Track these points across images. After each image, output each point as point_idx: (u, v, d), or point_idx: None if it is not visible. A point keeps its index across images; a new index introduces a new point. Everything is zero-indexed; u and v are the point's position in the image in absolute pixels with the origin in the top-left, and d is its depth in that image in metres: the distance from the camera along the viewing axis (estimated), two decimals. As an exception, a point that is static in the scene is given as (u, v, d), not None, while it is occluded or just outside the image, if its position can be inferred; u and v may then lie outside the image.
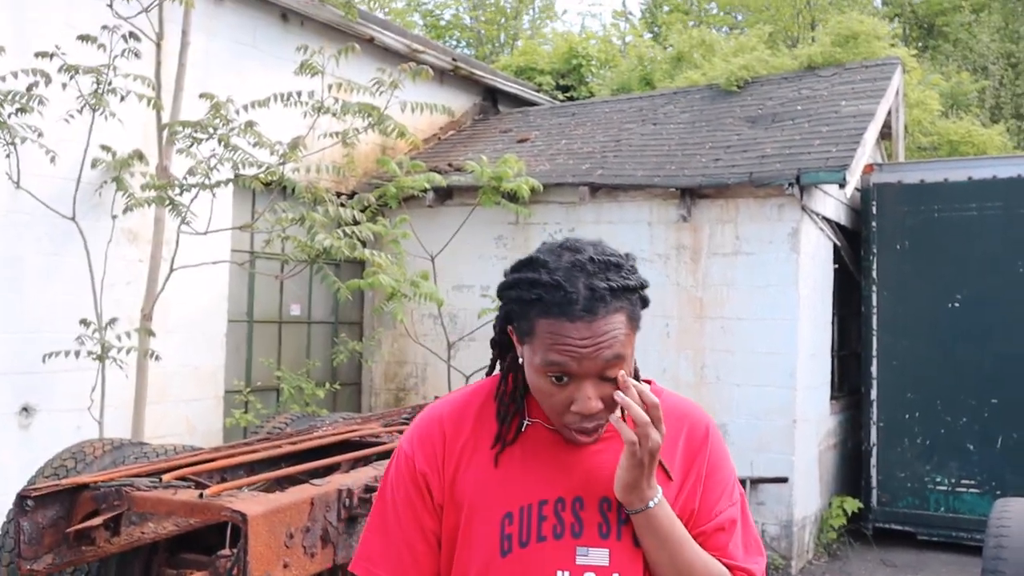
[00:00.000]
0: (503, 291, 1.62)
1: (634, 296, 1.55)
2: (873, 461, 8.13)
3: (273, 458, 4.10)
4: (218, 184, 6.13)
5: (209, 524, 3.60)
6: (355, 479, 3.55)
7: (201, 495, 3.13)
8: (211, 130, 6.05)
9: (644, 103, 10.03)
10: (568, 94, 14.53)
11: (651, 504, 1.55)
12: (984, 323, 7.74)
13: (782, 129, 8.15)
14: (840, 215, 8.34)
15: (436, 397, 6.49)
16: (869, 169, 8.24)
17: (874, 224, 8.23)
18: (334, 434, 4.56)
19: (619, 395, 1.52)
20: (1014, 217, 7.71)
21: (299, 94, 6.15)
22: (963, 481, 7.78)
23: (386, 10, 21.08)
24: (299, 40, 6.97)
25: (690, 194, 7.61)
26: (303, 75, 6.30)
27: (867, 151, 7.84)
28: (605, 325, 1.49)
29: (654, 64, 14.03)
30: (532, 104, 11.66)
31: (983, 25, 17.85)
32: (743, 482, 5.50)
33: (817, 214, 7.64)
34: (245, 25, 7.75)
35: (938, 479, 7.86)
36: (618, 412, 1.54)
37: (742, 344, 7.39)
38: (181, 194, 6.11)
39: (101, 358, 5.93)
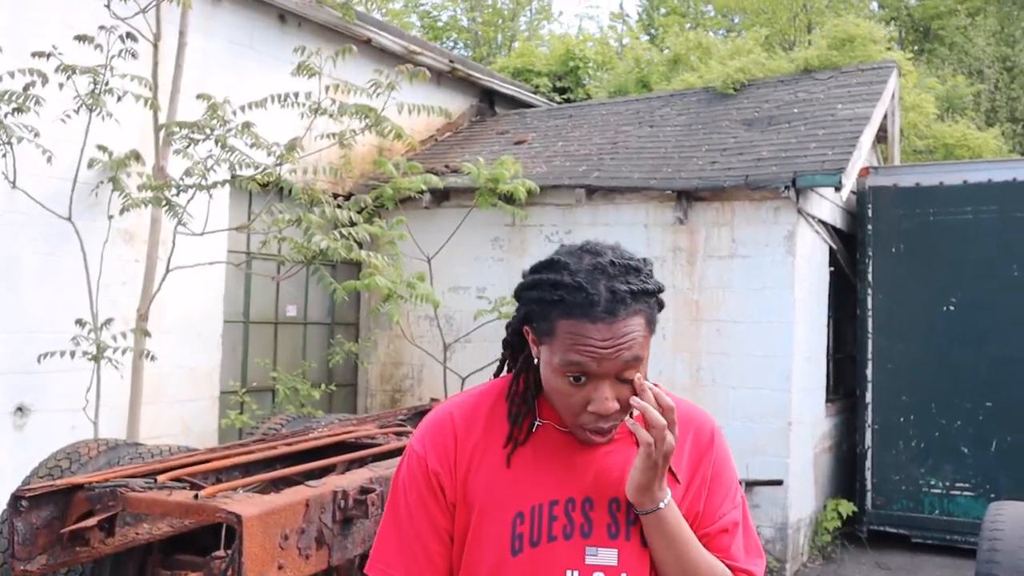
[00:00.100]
0: (522, 292, 1.64)
1: (652, 300, 1.59)
2: (868, 464, 8.15)
3: (268, 459, 4.09)
4: (215, 185, 6.13)
5: (204, 525, 3.60)
6: (350, 481, 3.54)
7: (196, 496, 3.13)
8: (208, 131, 6.05)
9: (641, 105, 10.05)
10: (565, 96, 14.55)
11: (661, 505, 1.58)
12: (979, 326, 7.75)
13: (778, 132, 8.17)
14: (836, 218, 8.36)
15: (432, 399, 6.50)
16: (865, 172, 8.26)
17: (870, 227, 8.25)
18: (330, 435, 4.56)
19: (636, 400, 1.55)
20: (1009, 221, 7.73)
21: (296, 95, 6.15)
22: (957, 484, 7.80)
23: (383, 11, 21.07)
24: (296, 41, 6.97)
25: (686, 197, 7.62)
26: (300, 76, 6.30)
27: (863, 154, 7.86)
28: (625, 327, 1.52)
29: (651, 66, 14.05)
30: (529, 106, 11.67)
31: (979, 29, 17.89)
32: (738, 484, 5.48)
33: (813, 217, 7.65)
34: (242, 26, 7.75)
35: (932, 482, 7.88)
36: (635, 414, 1.57)
37: (738, 347, 7.40)
38: (178, 195, 6.11)
39: (96, 358, 5.92)
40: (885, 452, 8.07)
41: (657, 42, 19.43)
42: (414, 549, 1.66)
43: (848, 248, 8.59)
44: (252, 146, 6.10)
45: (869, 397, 8.17)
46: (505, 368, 1.77)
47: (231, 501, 3.08)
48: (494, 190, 7.80)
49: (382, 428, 5.00)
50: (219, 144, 6.04)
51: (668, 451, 1.54)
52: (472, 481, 1.65)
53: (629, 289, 1.54)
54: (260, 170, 6.18)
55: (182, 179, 6.13)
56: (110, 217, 6.37)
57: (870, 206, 8.25)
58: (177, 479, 3.47)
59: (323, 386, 8.13)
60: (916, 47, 18.91)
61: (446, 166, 8.86)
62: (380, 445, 4.47)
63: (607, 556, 1.60)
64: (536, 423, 1.67)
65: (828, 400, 8.39)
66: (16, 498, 3.09)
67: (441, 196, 8.50)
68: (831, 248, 8.26)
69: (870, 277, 8.23)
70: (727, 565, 1.65)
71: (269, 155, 6.17)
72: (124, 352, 5.98)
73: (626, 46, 19.06)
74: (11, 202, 5.97)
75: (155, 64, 6.44)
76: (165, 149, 6.40)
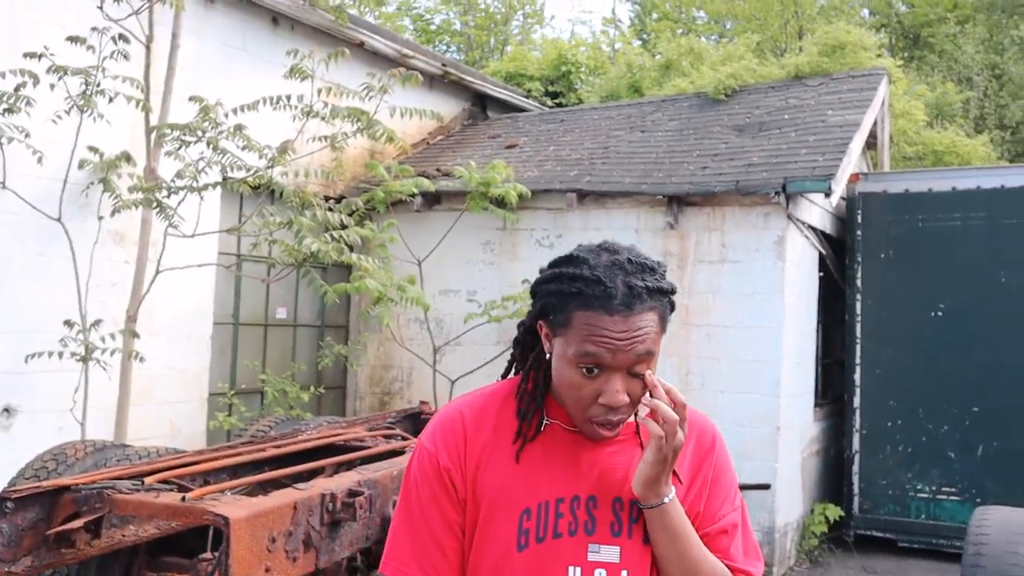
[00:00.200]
0: (540, 285, 1.69)
1: (665, 299, 1.65)
2: (855, 468, 8.18)
3: (256, 462, 4.09)
4: (206, 187, 6.12)
5: (191, 527, 3.59)
6: (339, 483, 3.55)
7: (183, 498, 3.12)
8: (200, 133, 6.05)
9: (632, 110, 10.08)
10: (557, 100, 14.58)
11: (666, 500, 1.63)
12: (967, 332, 7.79)
13: (769, 138, 8.20)
14: (825, 224, 8.40)
15: (422, 402, 6.49)
16: (855, 178, 8.30)
17: (859, 233, 8.28)
18: (318, 438, 4.55)
19: (647, 399, 1.60)
20: (997, 227, 7.77)
21: (288, 98, 6.15)
22: (944, 489, 7.83)
23: (376, 14, 21.08)
24: (289, 44, 6.97)
25: (677, 202, 7.64)
26: (293, 79, 6.30)
27: (853, 160, 7.90)
28: (640, 321, 1.58)
29: (643, 72, 14.09)
30: (521, 110, 11.69)
31: (968, 37, 17.98)
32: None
33: (803, 223, 7.69)
34: (235, 28, 7.75)
35: (919, 487, 7.91)
36: (643, 411, 1.62)
37: (727, 351, 7.42)
38: (168, 196, 6.10)
39: (85, 359, 5.91)
40: (872, 457, 8.10)
41: (649, 47, 19.47)
42: (428, 546, 1.69)
43: (837, 254, 8.62)
44: (244, 148, 6.10)
45: (857, 402, 8.20)
46: (514, 369, 1.81)
47: (219, 503, 3.08)
48: (485, 194, 7.81)
49: (371, 431, 4.99)
50: (211, 146, 6.04)
51: (678, 446, 1.59)
52: (481, 478, 1.68)
53: (645, 286, 1.60)
54: (251, 172, 6.18)
55: (173, 181, 6.12)
56: (100, 218, 6.36)
57: (860, 212, 8.29)
58: (164, 481, 3.47)
59: (312, 388, 8.13)
60: (906, 54, 18.99)
61: (437, 169, 8.86)
62: (369, 448, 4.47)
63: (609, 553, 1.65)
64: (544, 422, 1.71)
65: (816, 405, 8.42)
66: (1, 499, 3.09)
67: (432, 200, 8.50)
68: (821, 254, 8.29)
69: (859, 283, 8.27)
70: (727, 565, 1.69)
71: (261, 157, 6.16)
72: (113, 353, 5.97)
73: (618, 51, 19.09)
74: (1, 202, 5.95)
75: (147, 66, 6.44)
76: (156, 151, 6.39)
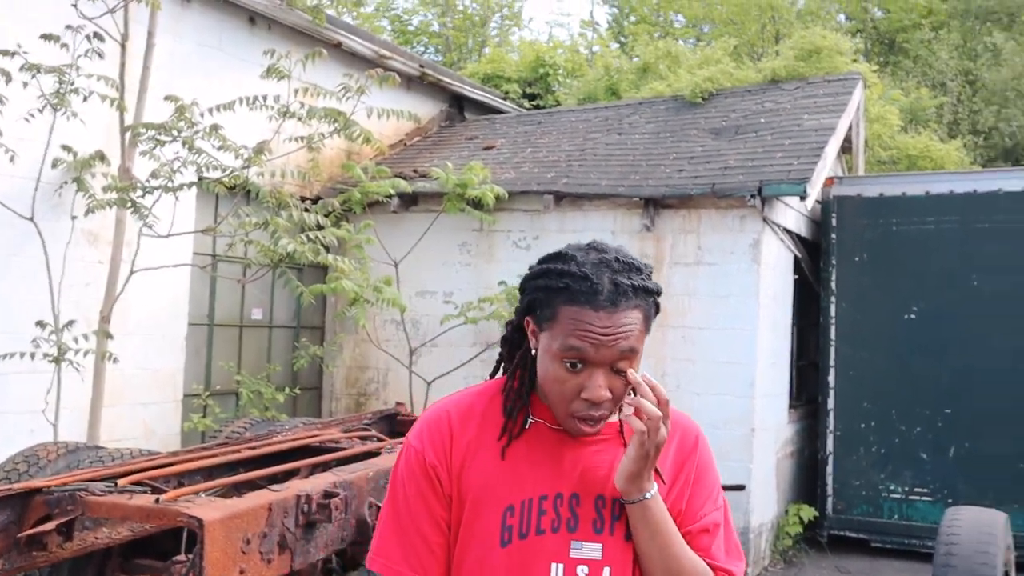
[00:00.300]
0: (529, 281, 1.73)
1: (650, 299, 1.67)
2: (829, 469, 8.24)
3: (231, 463, 4.07)
4: (181, 187, 6.09)
5: (165, 529, 3.57)
6: (314, 485, 3.54)
7: (157, 500, 3.11)
8: (175, 132, 6.01)
9: (610, 113, 10.11)
10: (534, 102, 14.61)
11: (648, 496, 1.65)
12: (939, 335, 7.88)
13: (745, 141, 8.25)
14: (801, 227, 8.46)
15: (398, 403, 6.48)
16: (830, 182, 8.36)
17: (834, 236, 8.35)
18: (293, 439, 4.54)
19: (630, 398, 1.63)
20: (970, 231, 7.86)
21: (265, 98, 6.13)
22: (916, 489, 7.91)
23: (354, 15, 21.03)
24: (266, 44, 6.95)
25: (653, 204, 7.67)
26: (270, 79, 6.27)
27: (828, 164, 7.96)
28: (624, 318, 1.61)
29: (620, 74, 14.15)
30: (498, 112, 11.69)
31: (942, 43, 18.18)
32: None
33: (778, 226, 7.74)
34: (212, 28, 7.71)
35: (892, 487, 7.98)
36: (628, 410, 1.64)
37: (703, 353, 7.46)
38: (143, 196, 6.06)
39: (57, 360, 5.85)
40: (846, 458, 8.16)
41: (627, 50, 19.55)
42: (415, 542, 1.72)
43: (812, 257, 8.69)
44: (220, 148, 6.07)
45: (831, 404, 8.27)
46: (501, 369, 1.83)
47: (192, 505, 3.06)
48: (462, 195, 7.81)
49: (347, 432, 4.99)
50: (186, 146, 6.01)
51: (660, 441, 1.61)
52: (466, 475, 1.71)
53: (631, 284, 1.63)
54: (227, 173, 6.15)
55: (148, 181, 6.08)
56: (74, 218, 6.30)
57: (834, 215, 8.36)
58: (138, 483, 3.45)
59: (288, 389, 8.09)
60: (881, 59, 19.17)
61: (415, 171, 8.85)
62: (344, 449, 4.46)
63: (592, 550, 1.67)
64: (529, 420, 1.73)
65: (791, 406, 8.48)
66: (-27, 501, 3.06)
67: (409, 201, 8.49)
68: (796, 256, 8.36)
69: (833, 285, 8.33)
70: (708, 564, 1.71)
71: (237, 158, 6.14)
72: (86, 354, 5.92)
73: (596, 54, 19.16)
74: (-28, 201, 5.89)
75: (122, 64, 6.39)
76: (131, 150, 6.35)
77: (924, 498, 7.86)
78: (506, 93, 13.66)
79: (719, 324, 7.42)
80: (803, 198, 7.30)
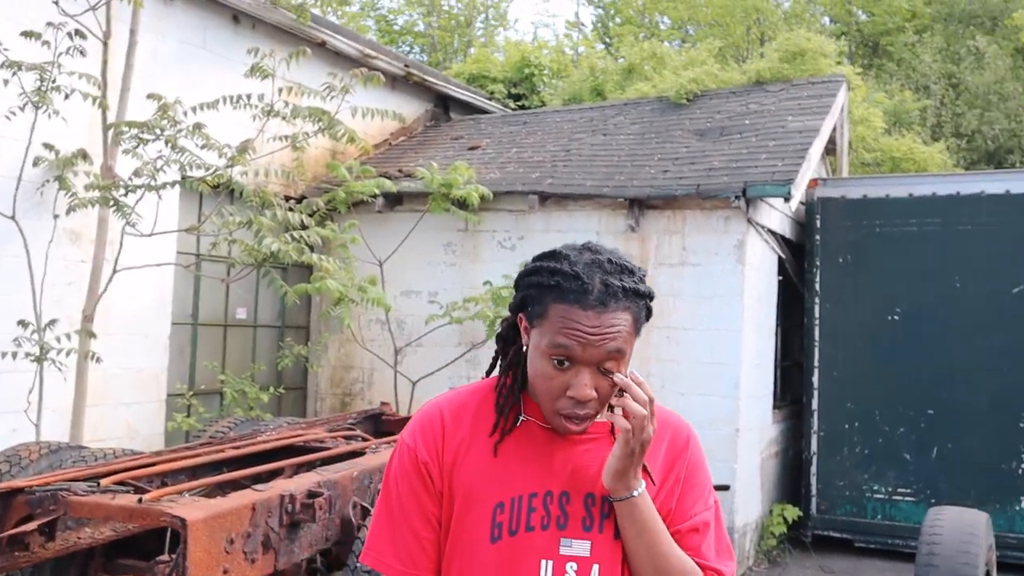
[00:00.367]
0: (522, 277, 1.75)
1: (641, 302, 1.69)
2: (813, 470, 8.27)
3: (215, 463, 4.06)
4: (164, 186, 6.05)
5: (148, 529, 3.55)
6: (298, 484, 3.53)
7: (140, 500, 3.09)
8: (158, 131, 5.98)
9: (595, 113, 10.12)
10: (520, 103, 14.61)
11: (635, 494, 1.66)
12: (922, 336, 7.92)
13: (730, 142, 8.28)
14: (785, 228, 8.49)
15: (383, 403, 6.48)
16: (814, 184, 8.40)
17: (818, 238, 8.39)
18: (278, 439, 4.53)
19: (615, 399, 1.65)
20: (952, 233, 7.91)
21: (249, 97, 6.10)
22: (899, 490, 7.95)
23: (339, 14, 20.99)
24: (250, 42, 6.92)
25: (638, 205, 7.69)
26: (253, 78, 6.25)
27: (812, 166, 8.00)
28: (613, 319, 1.63)
29: (605, 75, 14.16)
30: (484, 112, 11.69)
31: (926, 46, 18.28)
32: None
33: (763, 227, 7.77)
34: (195, 26, 7.67)
35: (875, 488, 8.03)
36: (617, 411, 1.65)
37: (687, 354, 7.48)
38: (126, 195, 6.02)
39: (39, 360, 5.81)
40: (830, 458, 8.20)
41: (612, 51, 19.59)
42: (406, 537, 1.74)
43: (796, 258, 8.73)
44: (203, 147, 6.04)
45: (815, 404, 8.30)
46: (497, 367, 1.85)
47: (176, 505, 3.05)
48: (447, 195, 7.81)
49: (331, 432, 4.97)
50: (169, 145, 5.97)
51: (646, 440, 1.62)
52: (458, 472, 1.73)
53: (622, 286, 1.64)
54: (211, 171, 6.12)
55: (131, 179, 6.04)
56: (56, 216, 6.26)
57: (818, 217, 8.39)
58: (121, 483, 3.43)
59: (272, 389, 8.06)
60: (865, 62, 19.27)
61: (400, 170, 8.84)
62: (329, 449, 4.45)
63: (581, 547, 1.69)
64: (521, 418, 1.76)
65: (775, 407, 8.51)
66: (-47, 501, 3.03)
67: (394, 200, 8.48)
68: (780, 257, 8.39)
69: (817, 286, 8.37)
70: (697, 563, 1.72)
71: (220, 156, 6.11)
72: (68, 353, 5.88)
73: (581, 54, 19.19)
74: (-47, 200, 5.85)
75: (104, 62, 6.35)
76: (114, 149, 6.30)
77: (907, 498, 7.90)
78: (491, 93, 13.65)
79: (704, 325, 7.44)
80: (787, 199, 7.33)
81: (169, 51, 7.36)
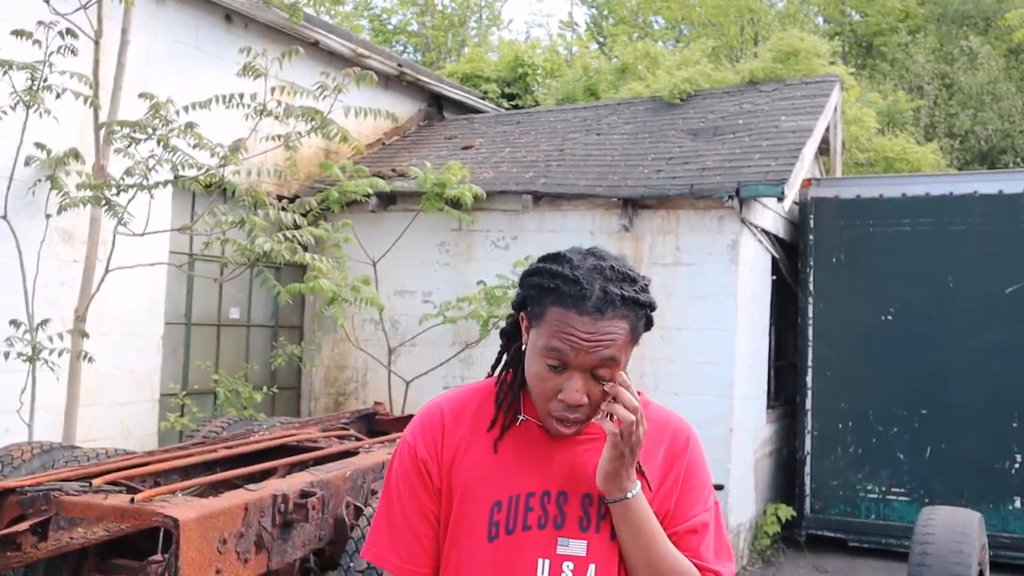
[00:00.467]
0: (525, 278, 1.75)
1: (640, 312, 1.68)
2: (807, 469, 8.28)
3: (208, 462, 4.05)
4: (156, 185, 6.04)
5: (141, 529, 3.54)
6: (291, 484, 3.52)
7: (132, 500, 3.08)
8: (150, 130, 5.96)
9: (588, 113, 10.12)
10: (513, 102, 14.61)
11: (629, 495, 1.66)
12: (915, 336, 7.93)
13: (723, 142, 8.28)
14: (778, 228, 8.50)
15: (376, 402, 6.47)
16: (807, 184, 8.41)
17: (811, 237, 8.40)
18: (271, 439, 4.51)
19: (605, 404, 1.65)
20: (945, 233, 7.92)
21: (241, 96, 6.09)
22: (893, 489, 7.96)
23: (332, 13, 20.95)
24: (243, 42, 6.90)
25: (632, 204, 7.69)
26: (246, 77, 6.23)
27: (805, 166, 8.00)
28: (609, 326, 1.62)
29: (599, 75, 14.18)
30: (477, 111, 11.68)
31: (919, 46, 18.33)
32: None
33: (756, 227, 7.77)
34: (187, 25, 7.65)
35: (869, 487, 8.03)
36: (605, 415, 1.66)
37: (681, 353, 7.48)
38: (118, 194, 6.00)
39: (32, 359, 5.79)
40: (824, 458, 8.21)
41: (605, 51, 19.60)
42: (404, 534, 1.77)
43: (790, 258, 8.73)
44: (195, 147, 6.02)
45: (809, 404, 8.31)
46: (501, 364, 1.86)
47: (168, 505, 3.04)
48: (441, 195, 7.80)
49: (324, 431, 4.96)
50: (161, 144, 5.96)
51: (635, 443, 1.63)
52: (457, 470, 1.75)
53: (621, 294, 1.64)
54: (203, 171, 6.10)
55: (123, 179, 6.03)
56: (48, 216, 6.24)
57: (812, 217, 8.40)
58: (113, 483, 3.42)
59: (265, 389, 8.05)
60: (859, 62, 19.32)
61: (393, 170, 8.83)
62: (322, 449, 4.44)
63: (577, 547, 1.69)
64: (520, 418, 1.76)
65: (769, 406, 8.51)
66: (-56, 502, 3.02)
67: (388, 200, 8.47)
68: (773, 257, 8.39)
69: (811, 286, 8.38)
70: (695, 564, 1.72)
71: (213, 156, 6.09)
72: (61, 353, 5.86)
73: (575, 54, 19.20)
74: (-56, 199, 5.82)
75: (96, 62, 6.33)
76: (106, 148, 6.29)
77: (901, 498, 7.92)
78: (485, 93, 13.65)
79: (697, 324, 7.44)
80: (781, 199, 7.34)
81: (161, 50, 7.34)
